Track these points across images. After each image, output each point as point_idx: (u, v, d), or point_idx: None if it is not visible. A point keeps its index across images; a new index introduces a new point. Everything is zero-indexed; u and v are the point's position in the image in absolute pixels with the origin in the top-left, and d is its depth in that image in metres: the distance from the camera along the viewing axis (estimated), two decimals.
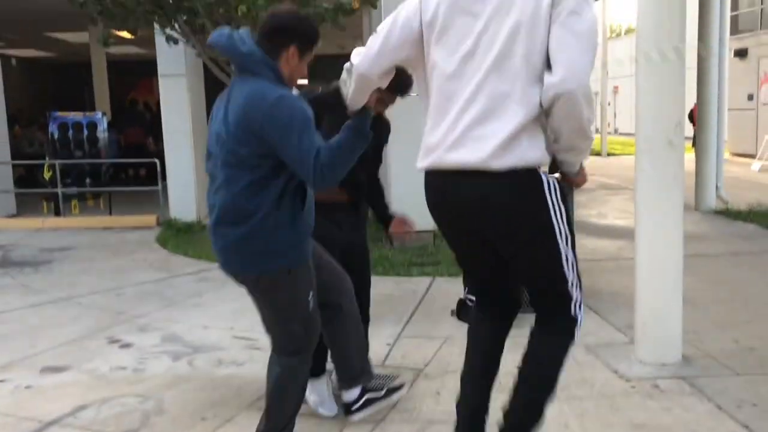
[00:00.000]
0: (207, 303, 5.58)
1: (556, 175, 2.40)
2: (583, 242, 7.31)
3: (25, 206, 10.73)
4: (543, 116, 2.23)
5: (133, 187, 11.97)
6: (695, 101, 10.15)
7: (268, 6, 6.56)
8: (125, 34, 8.57)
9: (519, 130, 2.20)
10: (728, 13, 10.61)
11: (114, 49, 10.94)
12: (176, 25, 7.33)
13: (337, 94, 2.65)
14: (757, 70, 18.16)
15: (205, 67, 8.01)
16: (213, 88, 5.89)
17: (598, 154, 19.55)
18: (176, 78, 9.49)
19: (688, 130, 11.22)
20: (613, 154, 20.66)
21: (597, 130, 21.32)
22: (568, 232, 2.35)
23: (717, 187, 9.84)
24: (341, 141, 2.50)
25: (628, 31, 36.37)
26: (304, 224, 2.65)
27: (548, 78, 2.15)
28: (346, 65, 2.62)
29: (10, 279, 6.73)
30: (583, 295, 2.44)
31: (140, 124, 14.93)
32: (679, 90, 3.84)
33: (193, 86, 9.61)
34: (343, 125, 2.55)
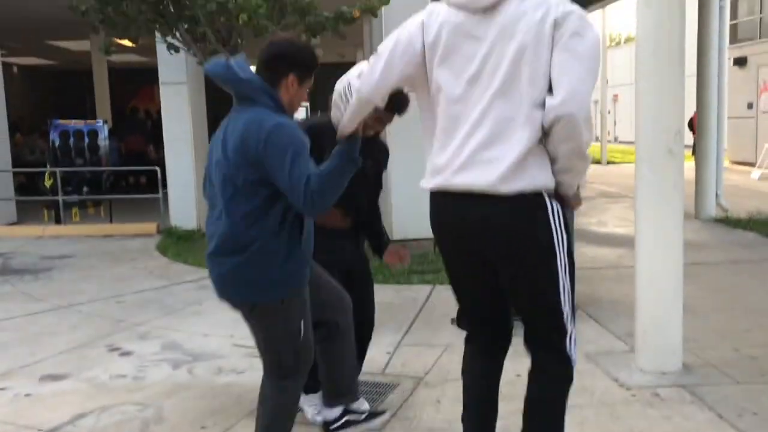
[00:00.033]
0: (207, 311, 5.58)
1: None
2: (583, 250, 7.31)
3: (25, 214, 10.74)
4: (545, 137, 2.24)
5: (134, 195, 11.98)
6: (695, 109, 10.17)
7: (268, 15, 6.59)
8: (126, 43, 8.59)
9: (526, 153, 2.21)
10: (727, 22, 10.64)
11: (115, 57, 10.95)
12: (177, 34, 7.36)
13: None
14: (757, 78, 18.20)
15: (206, 76, 8.03)
16: (214, 96, 5.91)
17: (598, 162, 19.58)
18: (177, 86, 9.52)
19: (688, 138, 11.24)
20: (613, 163, 20.70)
21: (597, 139, 21.39)
22: (567, 261, 2.34)
23: (717, 195, 9.85)
24: (331, 167, 2.49)
25: (628, 40, 36.45)
26: (301, 254, 2.64)
27: (549, 100, 2.16)
28: (339, 87, 2.59)
29: (11, 287, 6.73)
30: (576, 329, 2.45)
31: (141, 131, 14.97)
32: (679, 98, 3.86)
33: (193, 94, 9.64)
34: (333, 151, 2.53)
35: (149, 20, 7.18)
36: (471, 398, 2.64)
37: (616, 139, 32.53)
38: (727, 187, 10.64)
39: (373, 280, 3.58)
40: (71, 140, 11.55)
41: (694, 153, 10.96)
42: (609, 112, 25.28)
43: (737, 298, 5.69)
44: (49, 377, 4.23)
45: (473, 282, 2.52)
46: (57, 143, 11.47)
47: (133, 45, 8.90)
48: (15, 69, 19.26)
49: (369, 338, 3.55)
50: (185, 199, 9.59)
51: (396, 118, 3.17)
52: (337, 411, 3.25)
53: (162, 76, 9.55)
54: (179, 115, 9.59)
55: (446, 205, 2.39)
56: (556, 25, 2.16)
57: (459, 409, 2.68)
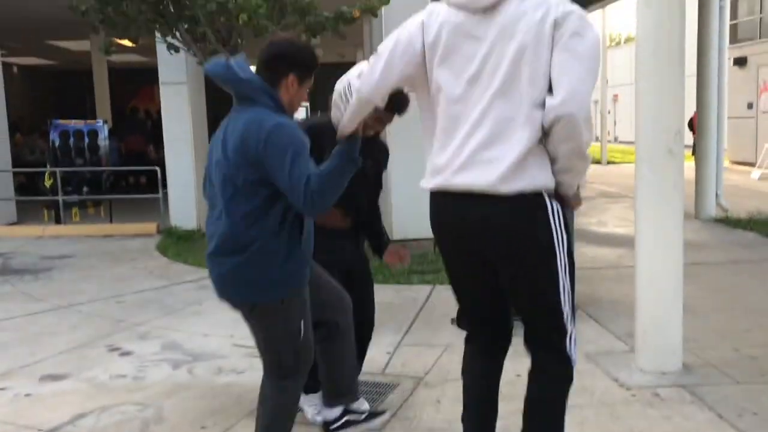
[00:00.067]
0: (207, 311, 5.58)
1: None
2: (583, 250, 7.31)
3: (25, 214, 10.74)
4: (545, 137, 2.23)
5: (134, 195, 11.98)
6: (695, 109, 10.17)
7: (268, 15, 6.59)
8: (126, 43, 8.59)
9: (526, 153, 2.21)
10: (727, 22, 10.64)
11: (115, 57, 10.95)
12: (177, 34, 7.36)
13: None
14: (757, 78, 18.20)
15: (206, 76, 8.04)
16: (214, 96, 5.91)
17: (598, 162, 19.58)
18: (177, 86, 9.52)
19: (688, 138, 11.23)
20: (613, 162, 20.70)
21: (597, 139, 21.39)
22: (567, 261, 2.34)
23: (717, 195, 9.85)
24: (331, 167, 2.49)
25: (628, 40, 36.45)
26: (301, 254, 2.64)
27: (549, 100, 2.17)
28: (339, 87, 2.59)
29: (10, 287, 6.73)
30: (575, 329, 2.44)
31: (141, 131, 14.97)
32: (679, 98, 3.86)
33: (193, 94, 9.64)
34: (333, 151, 2.53)
35: (149, 20, 7.18)
36: (471, 398, 2.64)
37: (616, 139, 32.54)
38: (727, 187, 10.64)
39: (373, 280, 3.58)
40: (71, 140, 11.56)
41: (694, 153, 10.96)
42: (609, 112, 25.29)
43: (737, 298, 5.69)
44: (49, 377, 4.23)
45: (473, 282, 2.51)
46: (57, 143, 11.48)
47: (133, 45, 8.90)
48: (15, 69, 19.26)
49: (369, 338, 3.55)
50: (185, 199, 9.59)
51: (396, 118, 3.17)
52: (337, 411, 3.24)
53: (162, 76, 9.55)
54: (179, 115, 9.59)
55: (446, 205, 2.39)
56: (556, 25, 2.16)
57: (459, 409, 2.68)
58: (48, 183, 10.36)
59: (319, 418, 3.36)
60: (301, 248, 2.63)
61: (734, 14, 18.40)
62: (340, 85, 2.60)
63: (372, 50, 8.78)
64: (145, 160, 13.04)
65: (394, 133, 3.15)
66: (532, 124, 2.20)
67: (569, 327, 2.40)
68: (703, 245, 7.76)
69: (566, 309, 2.37)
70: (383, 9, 7.29)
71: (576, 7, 2.23)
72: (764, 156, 15.61)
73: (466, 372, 2.66)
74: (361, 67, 2.55)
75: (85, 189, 11.30)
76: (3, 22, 11.63)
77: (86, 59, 15.90)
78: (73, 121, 11.98)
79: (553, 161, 2.27)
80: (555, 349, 2.42)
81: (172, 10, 7.07)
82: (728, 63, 12.86)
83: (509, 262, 2.35)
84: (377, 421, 3.34)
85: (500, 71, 2.22)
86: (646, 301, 3.97)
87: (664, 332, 3.96)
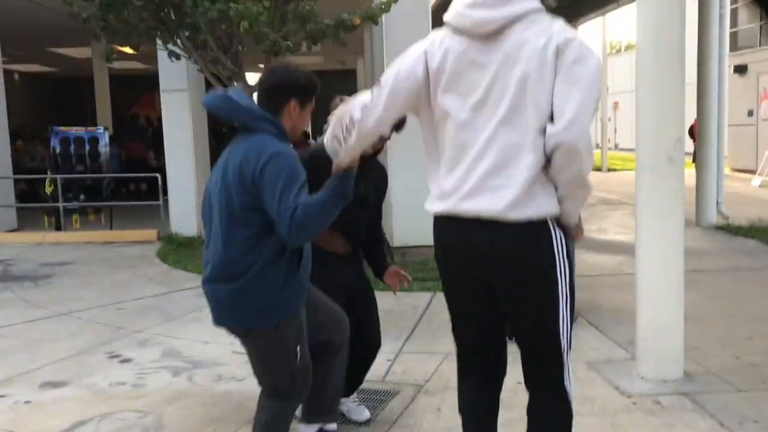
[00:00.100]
0: (207, 318, 5.48)
1: None
2: (584, 257, 7.30)
3: (26, 220, 10.74)
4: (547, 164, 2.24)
5: (134, 202, 12.00)
6: (695, 117, 10.18)
7: (269, 22, 6.60)
8: (127, 50, 8.61)
9: (533, 180, 2.22)
10: (728, 29, 10.67)
11: (116, 64, 10.98)
12: (178, 41, 7.37)
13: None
14: (757, 86, 18.23)
15: (207, 83, 8.04)
16: None
17: (598, 169, 19.60)
18: (178, 93, 9.54)
19: (689, 145, 11.24)
20: (614, 170, 20.73)
21: (597, 146, 21.40)
22: (569, 293, 2.33)
23: (717, 202, 9.85)
24: (320, 201, 2.47)
25: (628, 47, 36.56)
26: (299, 282, 2.64)
27: (550, 127, 2.17)
28: (338, 118, 2.50)
29: (11, 293, 6.72)
30: (571, 361, 2.44)
31: (142, 138, 15.01)
32: (679, 106, 3.86)
33: (194, 101, 9.64)
34: (326, 183, 2.50)
35: (150, 27, 7.19)
36: (470, 420, 2.63)
37: (616, 147, 32.57)
38: (728, 195, 10.65)
39: (375, 300, 3.55)
40: (72, 147, 11.56)
41: (694, 160, 10.97)
42: (609, 120, 25.31)
43: (738, 305, 5.68)
44: (49, 384, 4.23)
45: (477, 306, 2.50)
46: (58, 150, 11.49)
47: (134, 52, 8.91)
48: (16, 76, 19.31)
49: (374, 357, 3.54)
50: (185, 206, 9.60)
51: (394, 135, 3.16)
52: (312, 429, 3.25)
53: (163, 83, 9.58)
54: (180, 122, 9.61)
55: (450, 229, 2.38)
56: (558, 52, 2.17)
57: (459, 417, 2.67)
58: (48, 190, 10.36)
59: (354, 417, 3.47)
60: (299, 275, 2.63)
61: (734, 22, 18.45)
62: (339, 116, 2.55)
63: (372, 58, 8.81)
64: (146, 167, 13.07)
65: (395, 139, 3.15)
66: (538, 150, 2.21)
67: (566, 360, 2.39)
68: (703, 252, 7.75)
69: (564, 342, 2.36)
70: (384, 17, 7.29)
71: (576, 33, 2.24)
72: (765, 163, 15.63)
73: (463, 410, 2.65)
74: (362, 99, 2.50)
75: (81, 197, 11.28)
76: (4, 29, 11.66)
77: (87, 66, 15.93)
78: (74, 128, 11.98)
79: (554, 188, 2.27)
80: (555, 389, 2.40)
81: (173, 18, 7.08)
82: (728, 71, 12.88)
83: (512, 287, 2.34)
84: None
85: (505, 99, 2.23)
86: (647, 309, 3.96)
87: (665, 340, 3.95)
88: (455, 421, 2.74)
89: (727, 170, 13.42)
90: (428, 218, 2.47)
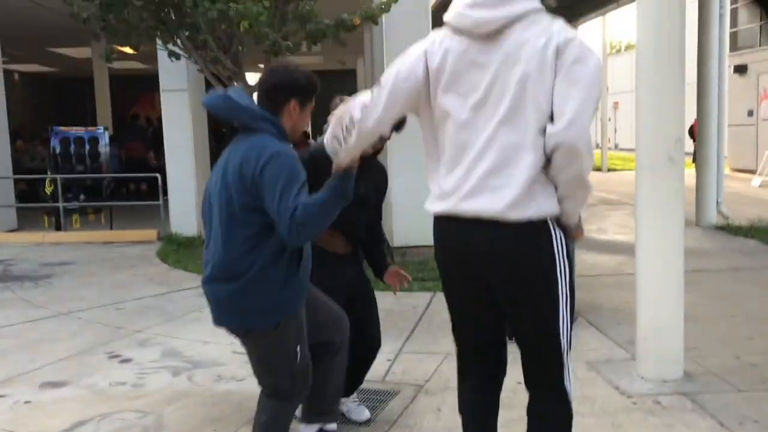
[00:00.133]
0: (207, 318, 5.48)
1: None
2: (584, 257, 7.30)
3: (26, 221, 10.74)
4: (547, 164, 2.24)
5: (134, 202, 11.99)
6: (695, 117, 10.18)
7: (269, 22, 6.60)
8: (127, 50, 8.61)
9: (533, 180, 2.21)
10: (728, 30, 10.68)
11: (116, 64, 10.98)
12: (178, 41, 7.37)
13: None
14: (757, 86, 18.24)
15: (207, 83, 8.05)
16: None
17: (598, 169, 19.61)
18: (178, 93, 9.54)
19: (689, 145, 11.25)
20: (614, 170, 20.73)
21: (597, 146, 21.40)
22: (569, 293, 2.33)
23: (718, 202, 9.85)
24: (320, 201, 2.47)
25: (628, 47, 36.57)
26: (299, 282, 2.64)
27: (550, 127, 2.17)
28: (338, 118, 2.50)
29: (11, 293, 6.72)
30: (571, 361, 2.44)
31: (142, 138, 15.00)
32: (679, 106, 3.86)
33: (194, 101, 9.64)
34: (326, 183, 2.50)
35: (150, 27, 7.19)
36: (470, 420, 2.63)
37: (616, 147, 32.58)
38: (728, 195, 10.65)
39: (375, 300, 3.56)
40: (72, 147, 11.57)
41: (694, 160, 10.97)
42: (609, 120, 25.31)
43: (738, 305, 5.68)
44: (49, 384, 4.23)
45: (477, 306, 2.50)
46: (58, 150, 11.49)
47: (134, 52, 8.92)
48: (16, 76, 19.31)
49: (374, 357, 3.54)
50: (185, 206, 9.60)
51: (394, 135, 3.16)
52: (313, 429, 3.25)
53: (163, 83, 9.57)
54: (180, 122, 9.61)
55: (450, 229, 2.38)
56: (558, 52, 2.17)
57: (459, 417, 2.67)
58: (48, 190, 10.37)
59: (354, 417, 3.47)
60: (299, 275, 2.63)
61: (734, 22, 18.45)
62: (339, 116, 2.55)
63: (372, 58, 8.81)
64: (146, 167, 13.07)
65: (395, 138, 3.15)
66: (538, 150, 2.20)
67: (566, 361, 2.39)
68: (703, 252, 7.75)
69: (564, 342, 2.36)
70: (384, 16, 7.29)
71: (576, 33, 2.24)
72: (765, 163, 15.63)
73: (463, 410, 2.65)
74: (362, 98, 2.51)
75: (81, 197, 11.29)
76: (4, 29, 11.66)
77: (87, 66, 15.94)
78: (74, 128, 11.99)
79: (554, 188, 2.27)
80: (555, 389, 2.40)
81: (173, 18, 7.08)
82: (728, 71, 12.89)
83: (512, 287, 2.34)
84: None
85: (505, 99, 2.23)
86: (647, 309, 3.96)
87: (665, 340, 3.95)
88: (455, 421, 2.74)
89: (727, 170, 13.42)
90: (428, 218, 2.46)
